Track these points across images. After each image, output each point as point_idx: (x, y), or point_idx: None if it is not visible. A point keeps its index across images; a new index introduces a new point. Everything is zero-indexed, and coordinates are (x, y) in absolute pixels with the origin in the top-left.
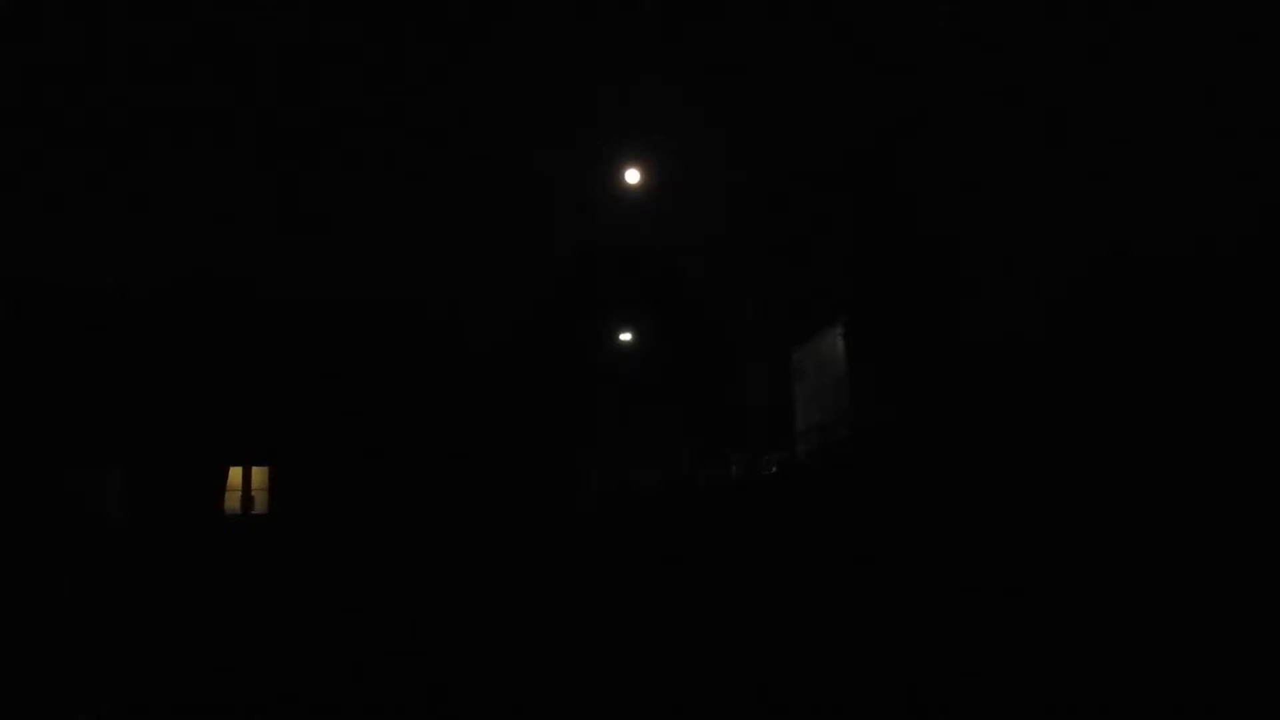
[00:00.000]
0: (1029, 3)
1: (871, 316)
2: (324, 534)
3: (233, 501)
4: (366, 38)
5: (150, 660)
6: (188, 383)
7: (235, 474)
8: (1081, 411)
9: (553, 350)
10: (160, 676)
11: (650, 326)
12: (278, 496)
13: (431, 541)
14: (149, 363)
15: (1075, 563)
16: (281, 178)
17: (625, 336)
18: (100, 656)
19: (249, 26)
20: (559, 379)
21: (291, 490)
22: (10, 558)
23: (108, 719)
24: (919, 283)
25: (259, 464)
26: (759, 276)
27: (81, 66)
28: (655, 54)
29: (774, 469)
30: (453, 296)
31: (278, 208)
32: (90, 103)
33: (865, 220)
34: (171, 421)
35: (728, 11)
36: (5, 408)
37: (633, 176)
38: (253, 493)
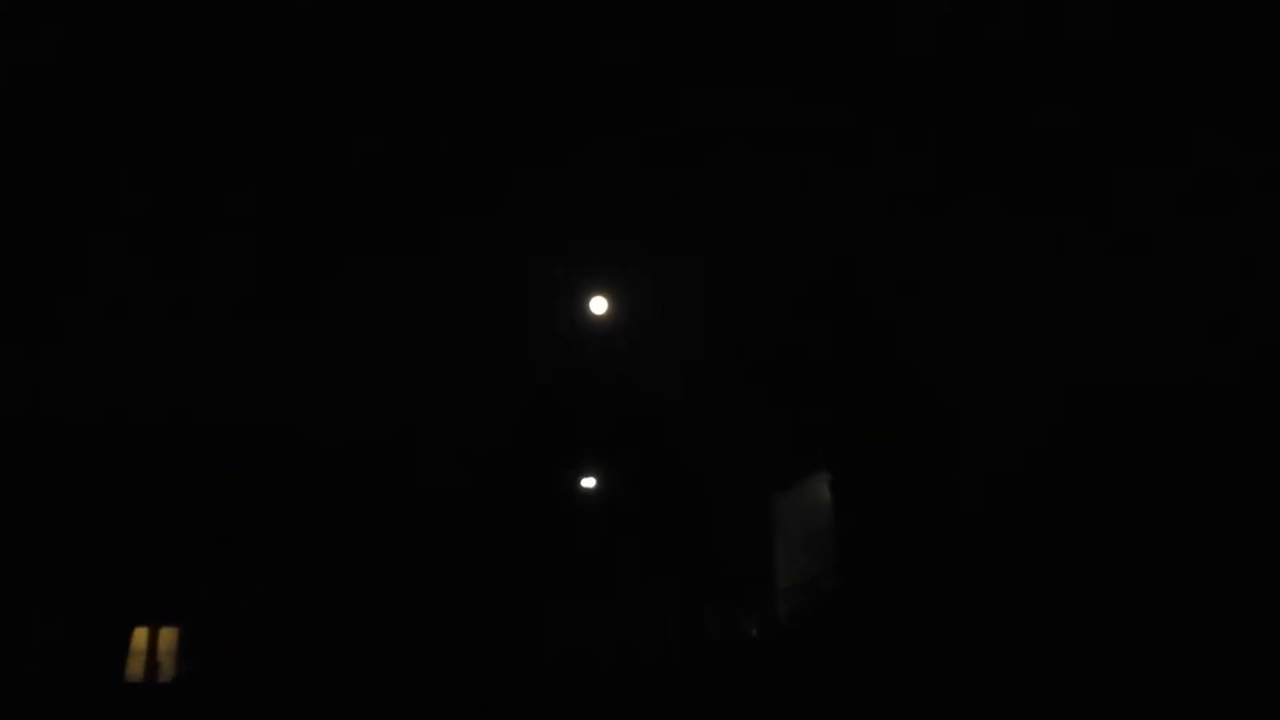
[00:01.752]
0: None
1: (859, 461)
2: (240, 705)
3: (135, 667)
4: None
5: None
6: (85, 533)
7: (140, 635)
8: (1078, 560)
9: (511, 495)
10: None
11: (619, 472)
12: (187, 661)
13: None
14: (39, 511)
15: None
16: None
17: (590, 482)
18: None
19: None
20: (517, 527)
21: (204, 654)
22: None
23: None
24: (905, 423)
25: (167, 624)
26: (737, 417)
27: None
28: (627, 185)
29: (754, 631)
30: (406, 436)
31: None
32: None
33: (846, 358)
34: (70, 577)
35: (698, 142)
36: None
37: (599, 306)
38: (158, 658)
